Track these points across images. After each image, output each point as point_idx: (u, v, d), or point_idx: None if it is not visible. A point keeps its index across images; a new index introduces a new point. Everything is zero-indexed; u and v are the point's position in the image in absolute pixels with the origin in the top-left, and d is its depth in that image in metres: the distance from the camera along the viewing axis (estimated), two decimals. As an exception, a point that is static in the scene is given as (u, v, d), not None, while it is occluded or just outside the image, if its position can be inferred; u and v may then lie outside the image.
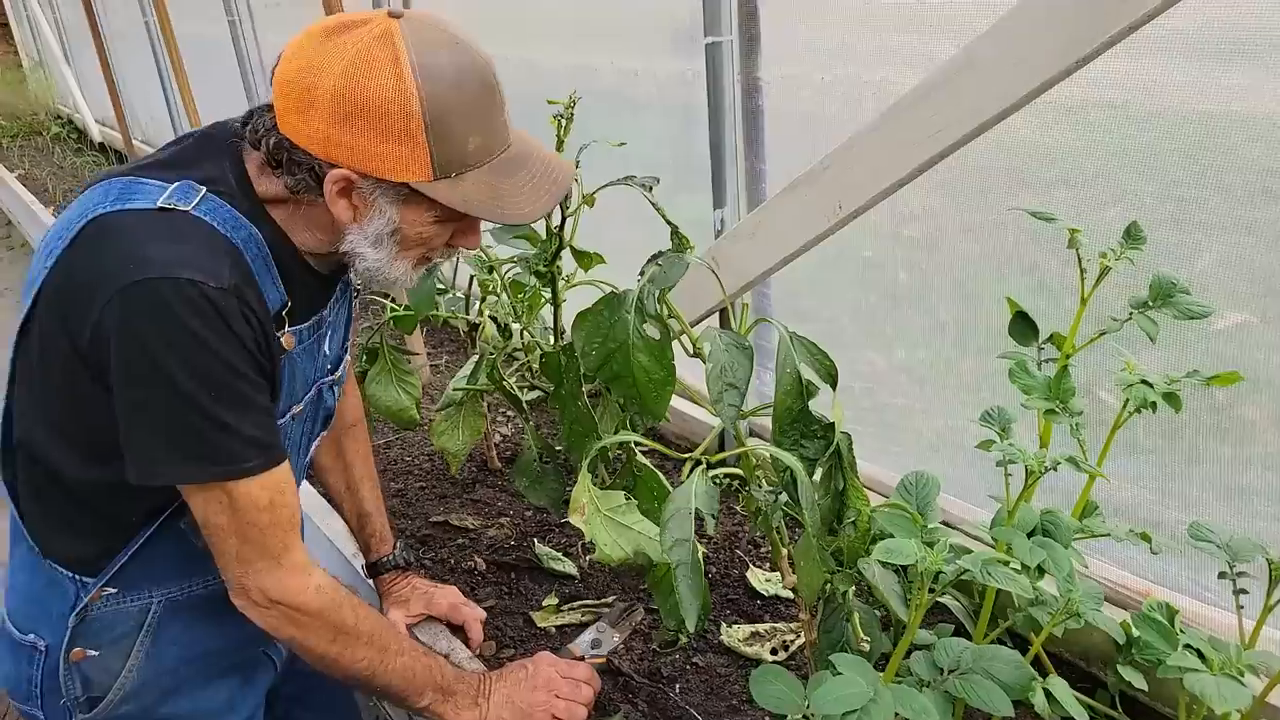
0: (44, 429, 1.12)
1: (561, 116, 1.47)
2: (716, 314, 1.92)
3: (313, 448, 1.36)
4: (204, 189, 1.05)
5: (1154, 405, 1.17)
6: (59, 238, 1.06)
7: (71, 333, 1.03)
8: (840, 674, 0.96)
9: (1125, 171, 1.52)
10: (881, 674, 1.00)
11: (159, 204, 1.03)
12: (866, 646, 1.17)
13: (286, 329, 1.13)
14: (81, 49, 7.99)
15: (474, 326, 1.91)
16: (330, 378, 1.30)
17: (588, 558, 1.89)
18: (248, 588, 1.13)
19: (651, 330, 1.22)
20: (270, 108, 1.06)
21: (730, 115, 1.85)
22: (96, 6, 4.86)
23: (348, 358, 1.39)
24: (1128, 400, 1.19)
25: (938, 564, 0.91)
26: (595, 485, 1.26)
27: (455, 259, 1.91)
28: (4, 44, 10.42)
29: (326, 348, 1.26)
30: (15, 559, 1.22)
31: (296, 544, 1.15)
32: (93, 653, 1.19)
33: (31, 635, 1.20)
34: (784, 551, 1.34)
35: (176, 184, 1.05)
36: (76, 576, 1.17)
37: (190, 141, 1.14)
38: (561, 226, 1.50)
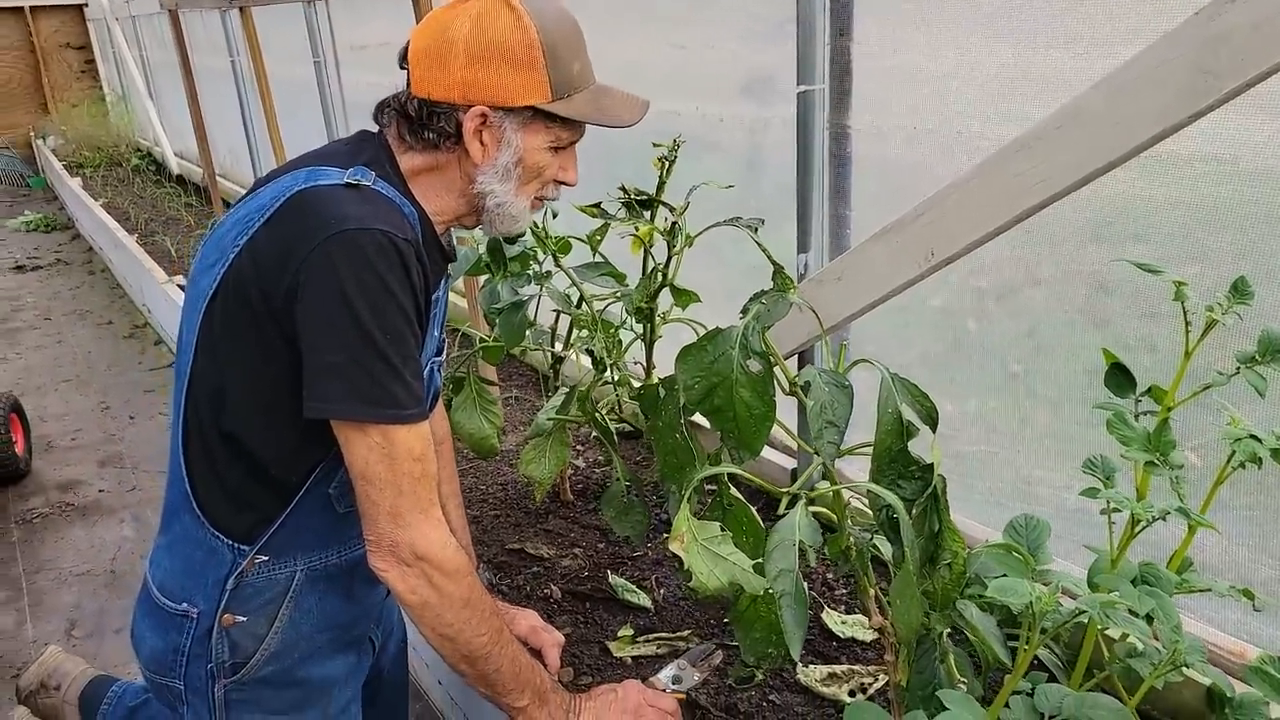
0: (223, 394, 1.21)
1: (665, 159, 1.53)
2: (796, 355, 1.95)
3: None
4: (373, 171, 1.21)
5: (1260, 461, 1.17)
6: (254, 217, 1.17)
7: (267, 289, 1.14)
8: (946, 710, 0.96)
9: (1203, 227, 1.53)
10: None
11: (346, 180, 1.18)
12: (964, 687, 1.17)
13: None
14: (164, 85, 8.38)
15: (558, 360, 1.96)
16: (439, 358, 1.42)
17: (661, 591, 1.91)
18: (397, 543, 1.18)
19: (754, 366, 1.25)
20: (393, 99, 1.24)
21: (818, 161, 1.89)
22: (189, 47, 5.11)
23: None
24: (1233, 454, 1.19)
25: (1051, 605, 0.92)
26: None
27: (539, 299, 1.98)
28: (90, 79, 10.95)
29: (437, 329, 1.37)
30: (175, 531, 1.30)
31: (437, 501, 1.22)
32: (241, 618, 1.27)
33: (185, 604, 1.27)
34: (871, 592, 1.34)
35: (352, 168, 1.20)
36: (236, 545, 1.25)
37: (349, 139, 1.30)
38: (666, 264, 1.54)
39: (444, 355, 1.44)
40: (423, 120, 1.21)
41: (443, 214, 1.29)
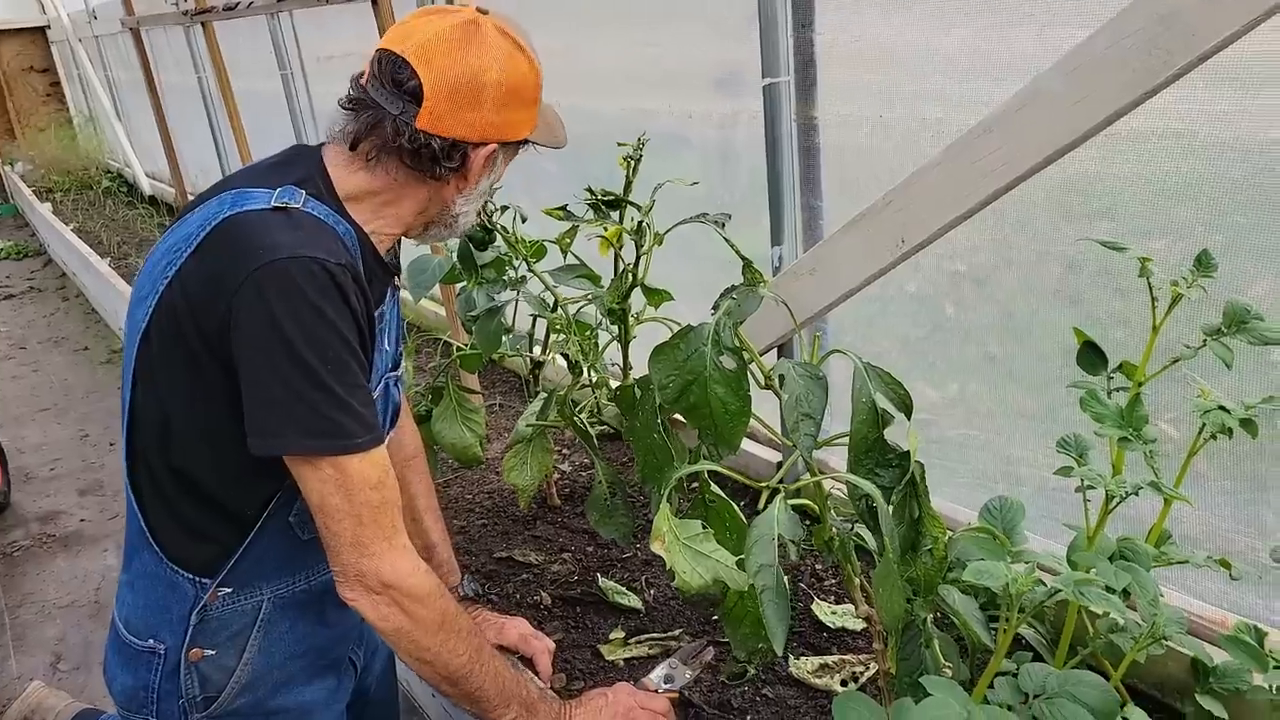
0: (168, 428, 1.18)
1: (630, 158, 1.53)
2: (775, 349, 1.95)
3: (385, 440, 1.41)
4: (303, 191, 1.17)
5: (1230, 431, 1.18)
6: (180, 248, 1.14)
7: (200, 323, 1.11)
8: (930, 695, 0.97)
9: (1167, 201, 1.54)
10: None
11: (273, 204, 1.14)
12: (949, 673, 1.17)
13: None
14: (132, 105, 8.30)
15: (538, 365, 1.95)
16: (395, 373, 1.40)
17: (651, 592, 1.91)
18: (363, 573, 1.16)
19: (728, 362, 1.25)
20: (377, 122, 1.19)
21: (787, 154, 1.89)
22: (153, 65, 5.07)
23: (405, 362, 1.46)
24: (1203, 426, 1.20)
25: (1028, 586, 0.93)
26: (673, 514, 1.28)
27: (516, 303, 1.97)
28: (56, 102, 10.82)
29: (387, 343, 1.35)
30: (135, 567, 1.28)
31: (402, 526, 1.20)
32: (209, 652, 1.25)
33: (151, 640, 1.25)
34: (857, 581, 1.35)
35: (280, 188, 1.16)
36: (196, 578, 1.23)
37: (280, 154, 1.28)
38: (635, 264, 1.54)
39: (401, 370, 1.42)
40: (436, 156, 1.19)
41: (390, 231, 1.26)
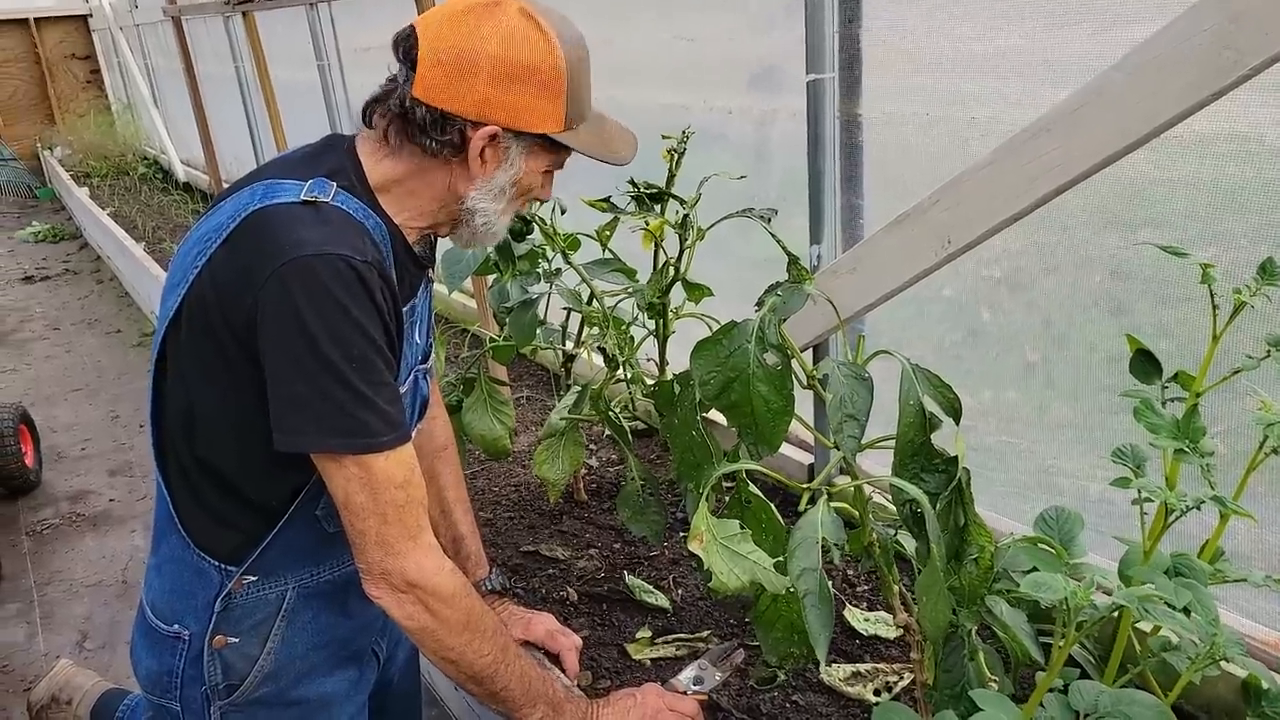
0: (193, 417, 1.18)
1: (674, 151, 1.50)
2: (810, 350, 1.92)
3: (412, 436, 1.40)
4: (334, 184, 1.15)
5: (1294, 445, 1.13)
6: (211, 237, 1.13)
7: (228, 316, 1.10)
8: (980, 710, 0.93)
9: (1220, 209, 1.49)
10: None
11: (302, 197, 1.12)
12: (995, 686, 1.14)
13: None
14: (170, 93, 8.39)
15: (570, 358, 1.93)
16: (424, 366, 1.38)
17: (679, 591, 1.88)
18: (388, 571, 1.15)
19: (771, 359, 1.22)
20: (387, 94, 1.17)
21: (829, 151, 1.86)
22: (192, 54, 5.11)
23: (434, 354, 1.45)
24: (1265, 439, 1.16)
25: (1086, 600, 0.89)
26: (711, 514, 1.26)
27: (549, 297, 1.96)
28: (96, 89, 10.97)
29: (418, 336, 1.33)
30: (163, 552, 1.27)
31: (429, 524, 1.19)
32: (233, 639, 1.24)
33: (176, 625, 1.24)
34: (896, 589, 1.31)
35: (311, 180, 1.15)
36: (222, 565, 1.22)
37: (313, 145, 1.25)
38: (679, 259, 1.52)
39: (431, 362, 1.40)
40: (425, 127, 1.15)
41: (416, 224, 1.24)
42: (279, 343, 1.07)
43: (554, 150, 1.20)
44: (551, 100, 1.15)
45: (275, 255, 1.07)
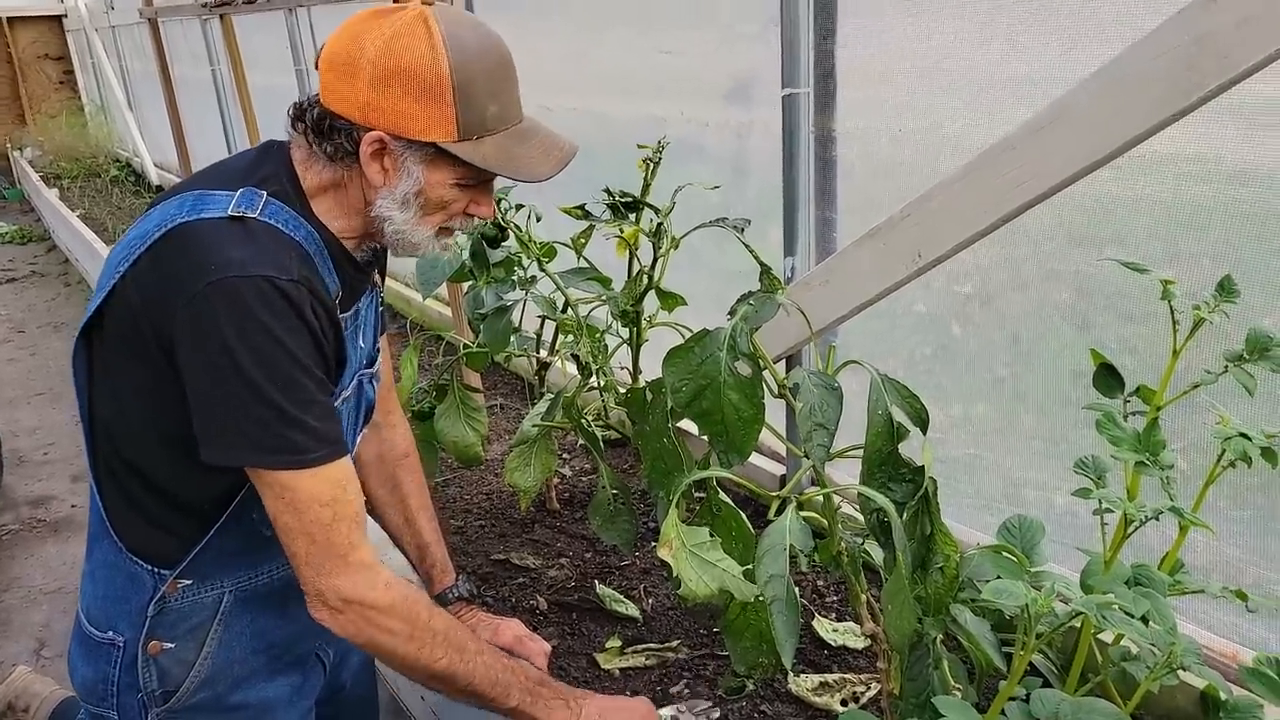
0: (124, 421, 1.16)
1: (650, 160, 1.51)
2: (783, 360, 1.93)
3: (357, 441, 1.39)
4: (265, 194, 1.13)
5: (1250, 459, 1.16)
6: (136, 243, 1.12)
7: (154, 327, 1.09)
8: (944, 717, 0.94)
9: (1179, 229, 1.52)
10: (982, 720, 0.99)
11: (229, 212, 1.10)
12: (959, 694, 1.14)
13: (340, 315, 1.20)
14: (144, 96, 8.30)
15: (544, 366, 1.93)
16: (369, 370, 1.36)
17: (650, 601, 1.88)
18: (322, 591, 1.14)
19: (743, 368, 1.23)
20: (313, 97, 1.16)
21: (804, 165, 1.88)
22: (168, 57, 5.08)
23: (382, 358, 1.43)
24: (1223, 453, 1.18)
25: (1047, 607, 0.90)
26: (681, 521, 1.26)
27: (524, 303, 1.95)
28: (69, 90, 10.83)
29: (362, 340, 1.32)
30: (96, 557, 1.25)
31: (363, 541, 1.17)
32: (169, 645, 1.22)
33: (110, 632, 1.22)
34: (863, 598, 1.32)
35: (240, 191, 1.13)
36: (155, 569, 1.20)
37: (251, 150, 1.24)
38: (653, 267, 1.53)
39: (377, 366, 1.39)
40: (323, 131, 1.13)
41: (349, 232, 1.21)
42: (201, 364, 1.06)
43: (456, 162, 1.14)
44: (434, 107, 1.09)
45: (198, 275, 1.05)
